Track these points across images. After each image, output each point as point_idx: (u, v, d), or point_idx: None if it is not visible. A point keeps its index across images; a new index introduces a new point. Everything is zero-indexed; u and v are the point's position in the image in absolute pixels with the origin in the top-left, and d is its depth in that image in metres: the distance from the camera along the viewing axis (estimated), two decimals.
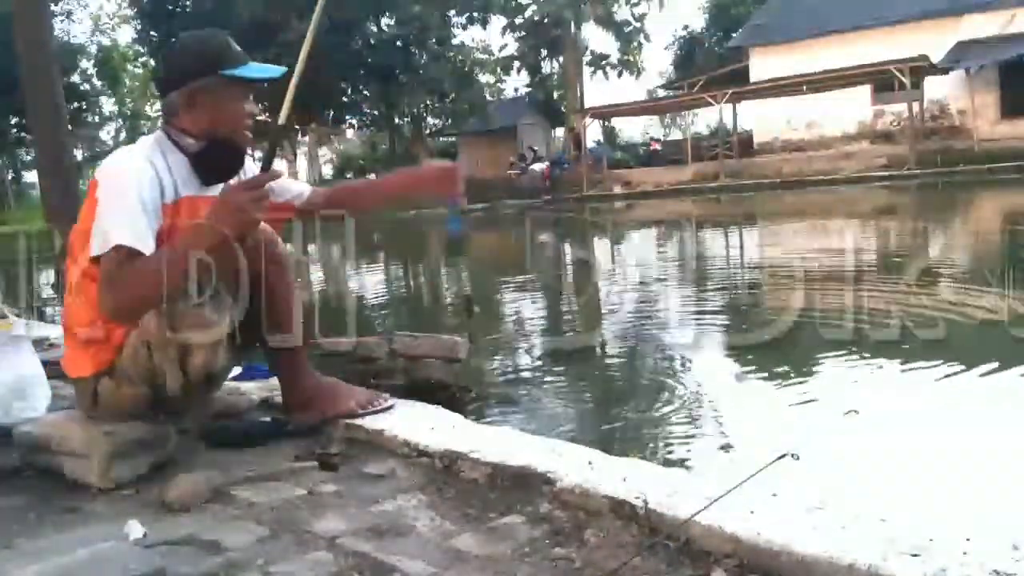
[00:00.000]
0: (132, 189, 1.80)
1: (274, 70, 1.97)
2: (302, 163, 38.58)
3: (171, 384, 1.85)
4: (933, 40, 22.51)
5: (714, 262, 8.33)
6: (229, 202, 1.76)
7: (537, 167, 26.90)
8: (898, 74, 20.21)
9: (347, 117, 31.47)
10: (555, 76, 34.57)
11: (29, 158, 31.36)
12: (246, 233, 1.85)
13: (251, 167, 2.12)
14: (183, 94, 1.90)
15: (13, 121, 29.59)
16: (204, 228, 1.76)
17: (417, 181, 2.25)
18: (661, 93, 35.96)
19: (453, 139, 34.66)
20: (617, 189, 24.37)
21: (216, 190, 1.98)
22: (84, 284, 1.88)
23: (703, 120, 35.38)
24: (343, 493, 1.71)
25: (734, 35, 29.89)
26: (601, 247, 11.48)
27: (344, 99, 29.25)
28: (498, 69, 33.31)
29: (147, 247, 1.78)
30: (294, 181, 2.23)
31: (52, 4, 21.16)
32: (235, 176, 2.00)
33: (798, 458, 1.35)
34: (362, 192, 2.46)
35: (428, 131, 31.91)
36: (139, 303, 1.77)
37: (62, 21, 33.19)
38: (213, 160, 1.93)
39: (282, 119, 1.86)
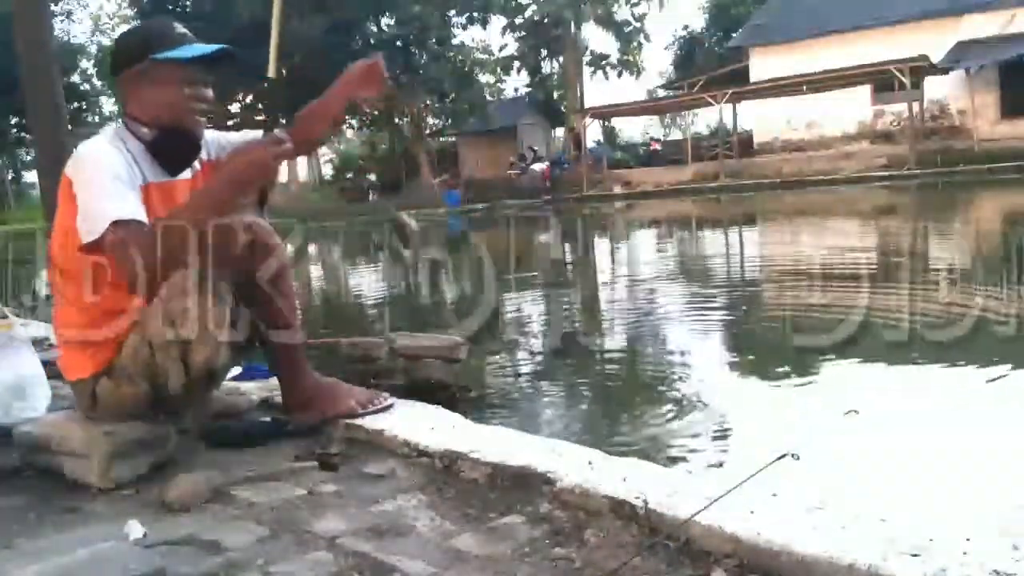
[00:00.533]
0: (108, 172, 1.80)
1: (205, 48, 1.91)
2: (302, 163, 38.59)
3: (174, 382, 1.86)
4: (933, 40, 22.50)
5: (714, 262, 8.33)
6: (255, 157, 1.79)
7: (537, 167, 26.92)
8: (898, 74, 20.21)
9: (347, 117, 31.47)
10: (555, 76, 34.57)
11: (29, 158, 31.36)
12: (266, 186, 1.89)
13: (219, 136, 2.13)
14: (121, 82, 1.93)
15: (13, 121, 29.60)
16: (222, 184, 1.80)
17: (345, 87, 2.18)
18: (661, 93, 35.96)
19: (453, 139, 34.65)
20: (617, 189, 24.38)
21: (186, 175, 2.00)
22: (68, 288, 1.88)
23: (703, 120, 35.41)
24: (343, 493, 1.71)
25: (734, 35, 29.89)
26: (601, 246, 11.48)
27: None
28: (498, 69, 33.30)
29: (143, 218, 1.77)
30: (237, 133, 2.22)
31: (52, 4, 21.14)
32: (193, 161, 2.00)
33: (798, 458, 1.35)
34: (306, 120, 2.30)
35: (428, 131, 31.88)
36: (155, 269, 1.75)
37: (62, 21, 33.23)
38: (166, 149, 1.92)
39: (270, 72, 1.86)
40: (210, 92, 1.97)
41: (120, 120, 1.99)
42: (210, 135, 2.11)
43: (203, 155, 2.09)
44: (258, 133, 2.21)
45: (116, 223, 1.74)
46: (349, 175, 35.50)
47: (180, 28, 1.94)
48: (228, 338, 1.92)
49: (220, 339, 1.89)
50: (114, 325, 1.86)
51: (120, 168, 1.83)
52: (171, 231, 1.74)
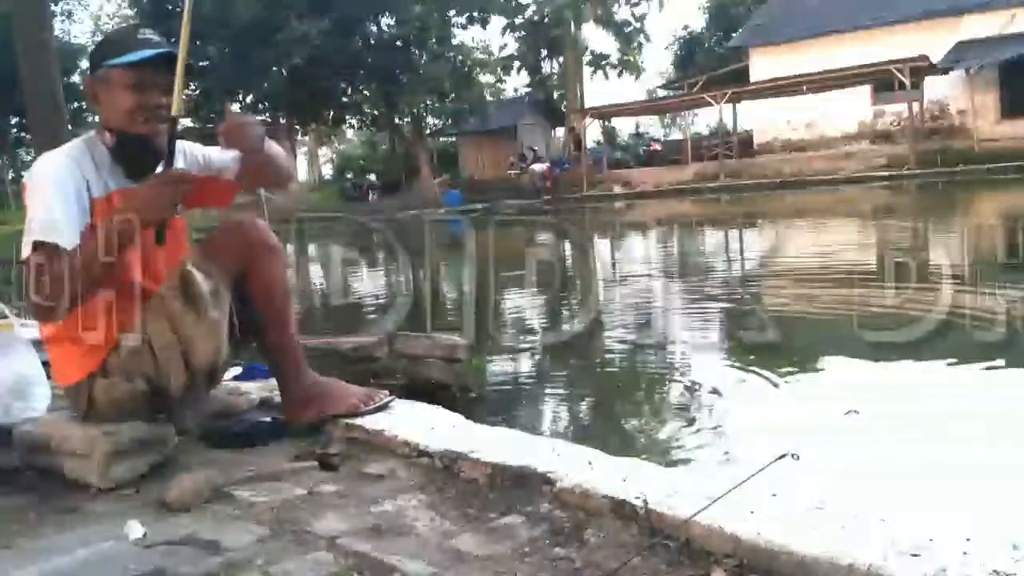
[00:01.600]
0: (51, 187, 1.79)
1: (144, 53, 1.86)
2: (302, 163, 38.59)
3: (175, 381, 1.86)
4: (933, 40, 22.49)
5: (714, 262, 8.32)
6: (140, 194, 1.74)
7: (537, 167, 26.90)
8: (898, 74, 20.20)
9: (347, 117, 31.46)
10: (555, 76, 34.57)
11: (29, 158, 31.34)
12: (159, 223, 1.79)
13: (199, 152, 2.12)
14: (84, 89, 1.95)
15: (13, 121, 29.57)
16: (115, 220, 1.73)
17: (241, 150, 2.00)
18: (661, 93, 35.96)
19: (453, 139, 34.63)
20: (617, 189, 24.37)
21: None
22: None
23: (703, 120, 35.40)
24: (343, 493, 1.71)
25: (734, 35, 29.89)
26: (601, 246, 11.48)
27: (344, 99, 29.23)
28: (498, 69, 33.28)
29: (68, 241, 1.73)
30: (220, 151, 2.17)
31: (52, 4, 21.12)
32: (155, 168, 1.93)
33: (798, 458, 1.35)
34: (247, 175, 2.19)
35: (428, 131, 31.88)
36: (56, 300, 1.70)
37: (62, 21, 33.15)
38: (126, 155, 1.90)
39: (174, 111, 1.81)
40: (162, 99, 1.89)
41: (96, 127, 1.98)
42: (186, 146, 2.10)
43: (179, 164, 2.08)
44: (232, 154, 2.13)
45: (36, 245, 1.71)
46: (349, 175, 35.49)
47: (145, 34, 1.91)
48: (228, 336, 1.93)
49: (221, 337, 1.89)
50: (104, 330, 1.85)
51: (66, 181, 1.80)
52: (83, 266, 1.70)
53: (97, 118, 1.98)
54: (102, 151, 1.91)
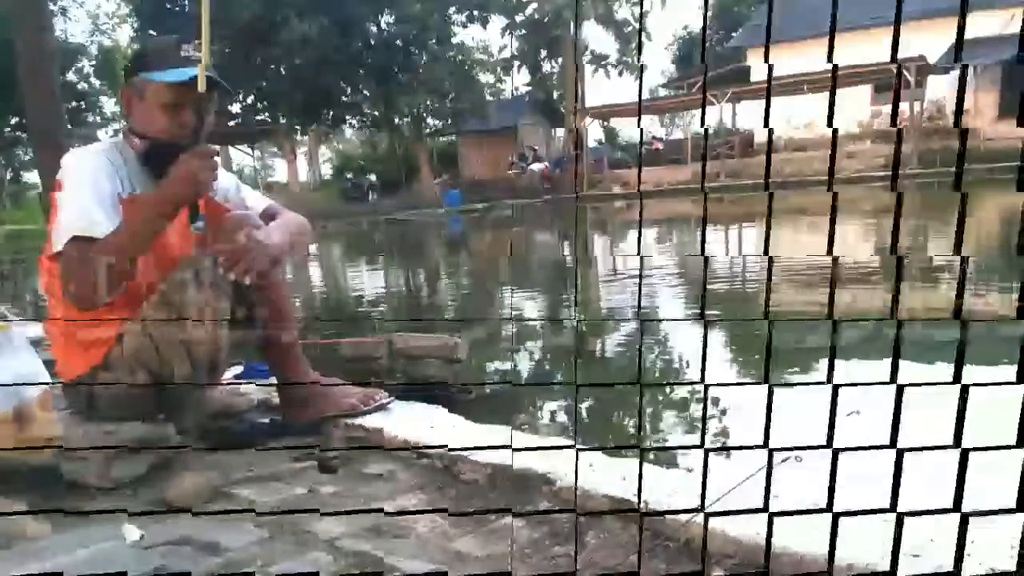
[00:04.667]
0: (86, 182, 1.81)
1: (183, 74, 1.88)
2: (302, 163, 38.56)
3: (178, 373, 1.87)
4: (933, 40, 22.50)
5: (714, 261, 8.32)
6: (181, 170, 1.74)
7: (537, 167, 26.92)
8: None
9: (347, 117, 31.47)
10: (555, 76, 34.59)
11: (28, 158, 31.34)
12: (195, 200, 1.80)
13: (232, 183, 2.17)
14: (120, 93, 1.97)
15: (13, 121, 29.61)
16: (152, 200, 1.75)
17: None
18: (662, 93, 35.97)
19: (453, 139, 34.65)
20: (617, 189, 24.39)
21: None
22: (54, 287, 1.89)
23: None
24: (343, 493, 1.71)
25: (734, 35, 29.91)
26: (600, 246, 11.49)
27: (344, 99, 29.23)
28: (498, 69, 33.30)
29: (103, 234, 1.76)
30: (254, 197, 2.20)
31: (51, 4, 21.12)
32: None
33: (799, 459, 1.35)
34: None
35: (428, 131, 31.88)
36: (95, 290, 1.73)
37: (63, 22, 33.16)
38: (155, 162, 1.90)
39: (201, 87, 1.80)
40: (195, 117, 1.91)
41: (123, 130, 2.01)
42: (221, 173, 2.13)
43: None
44: (263, 204, 2.19)
45: (74, 239, 1.73)
46: (349, 175, 35.50)
47: (187, 51, 1.93)
48: (228, 330, 1.94)
49: (223, 330, 1.90)
50: (104, 323, 1.86)
51: (101, 177, 1.82)
52: (113, 254, 1.72)
53: (93, 114, 2.01)
54: (131, 154, 1.92)
